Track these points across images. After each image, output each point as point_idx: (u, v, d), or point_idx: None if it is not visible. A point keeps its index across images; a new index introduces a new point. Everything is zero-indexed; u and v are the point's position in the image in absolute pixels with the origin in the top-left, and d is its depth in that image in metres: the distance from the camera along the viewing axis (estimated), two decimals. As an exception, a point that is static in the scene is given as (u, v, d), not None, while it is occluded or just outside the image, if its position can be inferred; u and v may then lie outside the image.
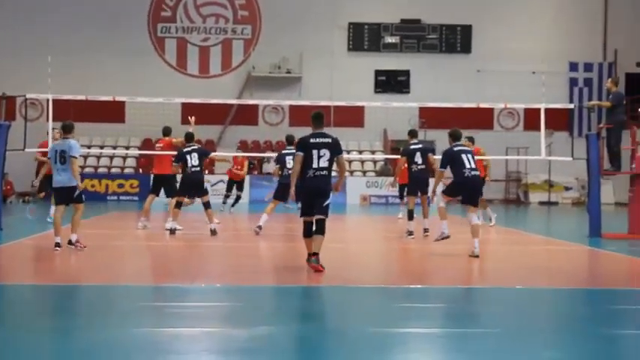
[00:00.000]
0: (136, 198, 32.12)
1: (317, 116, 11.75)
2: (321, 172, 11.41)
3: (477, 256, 13.16)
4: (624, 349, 7.28)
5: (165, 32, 37.37)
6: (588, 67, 37.91)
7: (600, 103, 19.53)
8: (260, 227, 16.80)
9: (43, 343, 7.14)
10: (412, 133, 17.56)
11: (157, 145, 19.03)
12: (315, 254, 11.37)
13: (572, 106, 27.52)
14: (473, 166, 13.58)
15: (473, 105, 22.10)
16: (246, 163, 24.50)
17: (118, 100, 22.57)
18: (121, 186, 32.59)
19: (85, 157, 34.70)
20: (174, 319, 8.14)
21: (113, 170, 34.90)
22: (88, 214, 22.38)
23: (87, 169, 33.55)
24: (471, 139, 19.70)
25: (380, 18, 37.59)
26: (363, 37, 37.73)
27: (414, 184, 17.03)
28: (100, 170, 34.65)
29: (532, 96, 25.85)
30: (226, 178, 25.21)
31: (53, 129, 19.65)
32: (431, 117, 34.00)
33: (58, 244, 13.21)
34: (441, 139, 33.17)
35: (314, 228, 11.49)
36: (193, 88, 34.27)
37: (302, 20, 36.73)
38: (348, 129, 34.80)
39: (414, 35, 37.73)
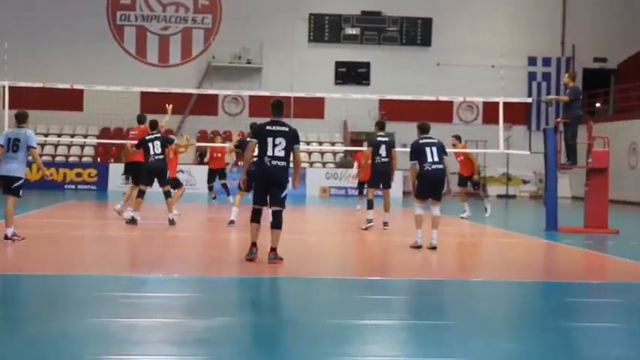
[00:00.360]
0: (94, 187, 31.87)
1: (276, 104, 11.59)
2: (277, 162, 11.23)
3: (435, 248, 13.21)
4: (579, 342, 7.36)
5: (124, 20, 37.03)
6: (546, 61, 38.24)
7: (558, 97, 19.73)
8: (233, 222, 16.57)
9: (-2, 333, 7.06)
10: (380, 125, 17.47)
11: (132, 132, 18.84)
12: (273, 250, 11.26)
13: (530, 100, 27.77)
14: (435, 159, 13.43)
15: (432, 98, 22.22)
16: (228, 147, 23.72)
17: (76, 89, 22.33)
18: (79, 175, 32.28)
19: (43, 145, 34.31)
20: (132, 310, 8.09)
21: (71, 159, 34.54)
22: (46, 202, 22.22)
23: (44, 158, 33.11)
24: (458, 138, 19.79)
25: (341, 9, 37.58)
26: (324, 29, 37.70)
27: (377, 177, 17.03)
28: (58, 159, 34.28)
29: (491, 90, 26.04)
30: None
31: None
32: (391, 109, 34.14)
33: (14, 235, 12.93)
34: (400, 131, 33.43)
35: (269, 217, 11.41)
36: (153, 77, 33.97)
37: (263, 10, 36.59)
38: (308, 120, 34.78)
39: (375, 27, 37.79)
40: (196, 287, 9.68)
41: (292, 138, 11.37)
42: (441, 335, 7.34)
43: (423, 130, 13.85)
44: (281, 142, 11.24)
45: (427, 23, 37.94)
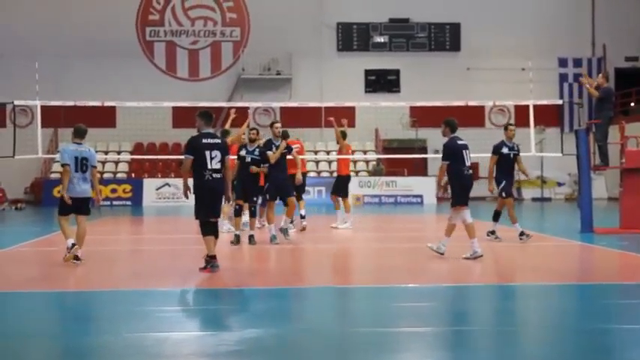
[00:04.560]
0: (128, 203, 32.07)
1: (204, 114, 11.49)
2: (216, 175, 11.27)
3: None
4: (616, 344, 7.28)
5: (153, 36, 37.31)
6: (577, 62, 37.95)
7: (590, 88, 19.05)
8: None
9: (36, 348, 7.11)
10: (284, 135, 15.91)
11: None
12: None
13: (560, 102, 27.61)
14: (470, 164, 12.84)
15: (462, 103, 22.14)
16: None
17: (107, 105, 22.50)
18: (114, 191, 32.49)
19: (77, 162, 34.61)
20: (166, 323, 8.13)
21: (105, 175, 34.74)
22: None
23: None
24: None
25: (368, 17, 37.59)
26: (352, 37, 37.73)
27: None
28: (92, 176, 34.46)
29: (522, 92, 25.91)
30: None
31: None
32: (422, 115, 34.07)
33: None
34: (432, 137, 33.35)
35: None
36: (183, 92, 34.20)
37: (290, 21, 36.71)
38: (339, 129, 34.72)
39: (403, 34, 37.77)
40: (228, 299, 9.71)
41: (224, 149, 11.34)
42: (476, 341, 7.29)
43: (453, 128, 13.02)
44: (217, 155, 11.21)
45: (455, 28, 37.86)
